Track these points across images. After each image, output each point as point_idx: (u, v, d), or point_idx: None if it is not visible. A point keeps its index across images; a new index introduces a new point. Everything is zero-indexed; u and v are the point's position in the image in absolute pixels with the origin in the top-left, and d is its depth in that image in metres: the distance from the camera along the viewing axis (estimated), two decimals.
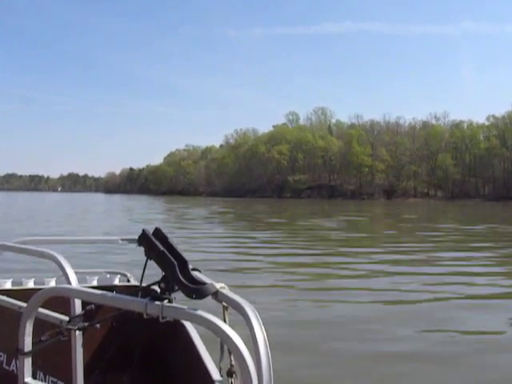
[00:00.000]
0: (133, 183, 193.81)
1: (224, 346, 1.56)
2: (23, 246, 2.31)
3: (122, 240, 2.53)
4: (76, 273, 2.10)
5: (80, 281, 2.35)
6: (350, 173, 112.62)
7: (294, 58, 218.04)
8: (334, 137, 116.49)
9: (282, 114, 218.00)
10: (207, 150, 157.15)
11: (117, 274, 3.06)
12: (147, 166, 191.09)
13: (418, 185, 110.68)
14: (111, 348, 2.64)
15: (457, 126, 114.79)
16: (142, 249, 1.44)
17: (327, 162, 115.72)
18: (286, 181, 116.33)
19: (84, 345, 1.91)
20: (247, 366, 1.18)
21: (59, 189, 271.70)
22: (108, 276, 3.04)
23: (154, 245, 1.39)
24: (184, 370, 2.41)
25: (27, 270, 6.82)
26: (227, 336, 1.20)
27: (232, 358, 1.47)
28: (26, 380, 1.58)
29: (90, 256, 10.51)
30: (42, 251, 2.15)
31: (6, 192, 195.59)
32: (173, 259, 1.35)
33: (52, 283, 2.84)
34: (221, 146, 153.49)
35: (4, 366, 2.55)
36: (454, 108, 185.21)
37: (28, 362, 1.59)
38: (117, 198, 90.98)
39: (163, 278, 1.37)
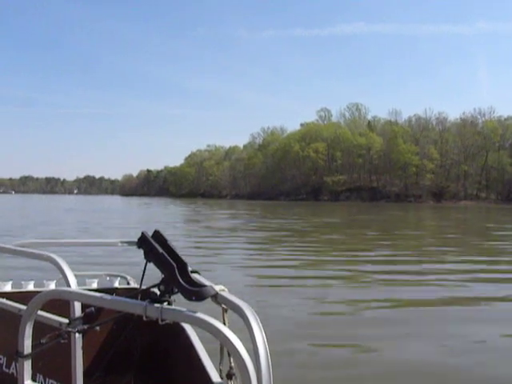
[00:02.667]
0: (150, 185, 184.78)
1: (224, 349, 1.54)
2: (23, 249, 2.24)
3: (122, 243, 2.49)
4: (76, 275, 2.07)
5: (80, 283, 2.33)
6: (395, 173, 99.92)
7: (308, 60, 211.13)
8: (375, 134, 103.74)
9: (295, 115, 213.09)
10: (230, 150, 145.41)
11: (116, 276, 2.99)
12: (165, 167, 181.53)
13: (468, 186, 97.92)
14: (111, 350, 2.57)
15: (503, 122, 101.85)
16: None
17: (368, 161, 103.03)
18: (323, 182, 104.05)
19: (84, 347, 1.89)
20: (247, 369, 1.16)
21: (75, 191, 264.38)
22: (108, 278, 2.97)
23: (154, 247, 1.36)
24: (184, 373, 2.34)
25: (27, 272, 6.43)
26: (227, 338, 1.18)
27: (231, 361, 1.45)
28: (25, 383, 1.56)
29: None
30: (41, 254, 2.11)
31: (22, 194, 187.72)
32: (172, 261, 1.33)
33: (52, 286, 2.80)
34: (244, 146, 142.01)
35: (4, 368, 2.50)
36: (468, 107, 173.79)
37: (28, 365, 1.56)
38: (141, 202, 79.01)
39: (163, 280, 1.35)
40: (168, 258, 1.34)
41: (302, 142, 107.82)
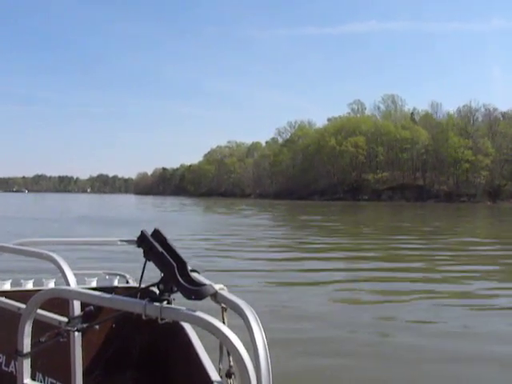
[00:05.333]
0: (166, 184, 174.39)
1: (223, 347, 1.51)
2: (22, 248, 2.19)
3: (121, 241, 2.44)
4: (75, 274, 2.03)
5: (79, 282, 2.31)
6: (445, 170, 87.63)
7: (320, 59, 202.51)
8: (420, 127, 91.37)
9: (305, 114, 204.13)
10: (252, 147, 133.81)
11: (116, 275, 2.93)
12: (181, 165, 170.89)
13: None
14: (110, 349, 2.56)
15: None
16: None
17: (413, 156, 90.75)
18: (363, 180, 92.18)
19: (83, 346, 1.86)
20: (246, 368, 1.13)
21: (88, 190, 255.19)
22: (107, 277, 2.93)
23: (153, 246, 1.32)
24: (183, 371, 2.31)
25: (26, 271, 6.12)
26: (226, 337, 1.16)
27: (231, 359, 1.42)
28: (24, 381, 1.53)
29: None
30: (40, 252, 2.07)
31: (35, 193, 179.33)
32: (172, 260, 1.29)
33: (51, 284, 2.76)
34: (267, 142, 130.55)
35: (3, 367, 2.47)
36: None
37: (27, 364, 1.53)
38: (167, 204, 67.76)
39: (162, 279, 1.31)
40: (168, 256, 1.29)
41: (338, 135, 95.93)
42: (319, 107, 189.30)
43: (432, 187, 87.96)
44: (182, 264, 1.30)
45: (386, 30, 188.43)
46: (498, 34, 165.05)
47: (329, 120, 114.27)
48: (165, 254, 1.29)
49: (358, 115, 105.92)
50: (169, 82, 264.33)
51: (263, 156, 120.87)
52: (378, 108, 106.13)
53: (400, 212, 47.13)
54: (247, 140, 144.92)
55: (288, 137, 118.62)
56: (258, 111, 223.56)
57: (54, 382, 2.34)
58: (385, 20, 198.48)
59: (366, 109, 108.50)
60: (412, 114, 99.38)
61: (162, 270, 1.30)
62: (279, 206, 54.50)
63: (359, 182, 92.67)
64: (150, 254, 1.31)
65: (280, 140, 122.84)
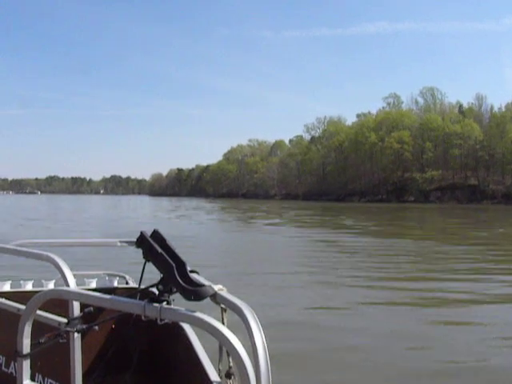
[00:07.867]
0: (182, 185, 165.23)
1: (223, 348, 1.49)
2: (22, 249, 2.16)
3: (121, 242, 2.42)
4: (75, 275, 2.01)
5: (79, 283, 2.28)
6: (503, 167, 77.02)
7: (332, 59, 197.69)
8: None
9: (315, 114, 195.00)
10: (276, 145, 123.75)
11: (115, 276, 2.89)
12: (197, 165, 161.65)
13: None
14: (110, 350, 2.48)
15: None
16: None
17: (465, 153, 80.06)
18: (406, 179, 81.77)
19: (83, 347, 1.83)
20: (245, 368, 1.12)
21: (101, 191, 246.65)
22: (107, 278, 2.88)
23: (152, 247, 1.31)
24: (183, 372, 2.30)
25: (26, 272, 6.20)
26: (225, 338, 1.14)
27: (230, 360, 1.41)
28: (24, 382, 1.51)
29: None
30: (40, 253, 2.04)
31: (48, 195, 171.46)
32: (171, 261, 1.28)
33: (51, 285, 2.71)
34: (290, 140, 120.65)
35: (3, 368, 2.44)
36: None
37: (26, 365, 1.51)
38: (208, 208, 57.92)
39: (161, 280, 1.29)
40: (167, 257, 1.27)
41: (379, 131, 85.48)
42: (324, 106, 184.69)
43: (487, 187, 77.40)
44: (181, 264, 1.27)
45: (396, 30, 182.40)
46: (508, 32, 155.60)
47: (358, 116, 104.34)
48: (164, 254, 1.27)
49: (394, 110, 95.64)
50: (178, 83, 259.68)
51: (290, 154, 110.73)
52: (416, 102, 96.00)
53: None
54: (263, 138, 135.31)
55: (318, 133, 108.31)
56: (266, 111, 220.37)
57: (54, 383, 2.27)
58: (396, 21, 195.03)
59: (402, 102, 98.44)
60: (460, 106, 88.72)
61: (161, 271, 1.27)
62: (345, 211, 44.36)
63: (403, 182, 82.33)
64: (150, 254, 1.29)
65: (307, 137, 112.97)
